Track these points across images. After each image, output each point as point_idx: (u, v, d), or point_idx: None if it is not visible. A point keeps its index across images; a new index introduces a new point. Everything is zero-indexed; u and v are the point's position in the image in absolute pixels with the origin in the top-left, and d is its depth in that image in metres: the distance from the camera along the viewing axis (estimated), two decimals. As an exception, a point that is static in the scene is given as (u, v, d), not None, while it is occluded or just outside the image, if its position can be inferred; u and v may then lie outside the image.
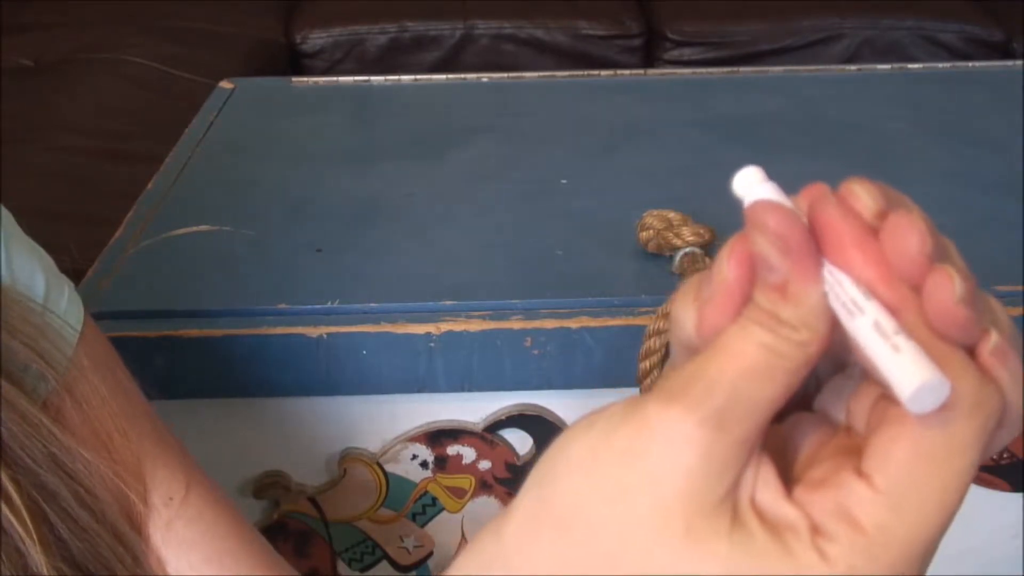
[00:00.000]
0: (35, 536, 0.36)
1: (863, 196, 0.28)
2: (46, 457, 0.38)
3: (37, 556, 0.36)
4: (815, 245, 0.27)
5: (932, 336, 0.26)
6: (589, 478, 0.28)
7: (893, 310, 0.27)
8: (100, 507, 0.40)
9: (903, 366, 0.26)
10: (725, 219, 0.70)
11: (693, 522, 0.26)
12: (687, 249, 0.67)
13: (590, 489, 0.28)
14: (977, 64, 1.07)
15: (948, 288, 0.26)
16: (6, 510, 0.36)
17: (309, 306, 0.64)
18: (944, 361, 0.26)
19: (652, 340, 0.58)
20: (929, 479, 0.26)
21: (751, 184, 0.29)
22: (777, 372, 0.27)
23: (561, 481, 0.29)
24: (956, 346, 0.27)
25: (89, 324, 0.44)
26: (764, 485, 0.27)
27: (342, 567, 0.71)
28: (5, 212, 0.42)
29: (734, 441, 0.27)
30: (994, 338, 0.27)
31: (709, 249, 0.67)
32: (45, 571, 0.36)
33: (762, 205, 0.27)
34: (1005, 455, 0.69)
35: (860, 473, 0.27)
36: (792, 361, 0.27)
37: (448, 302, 0.64)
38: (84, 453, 0.40)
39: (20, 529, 0.36)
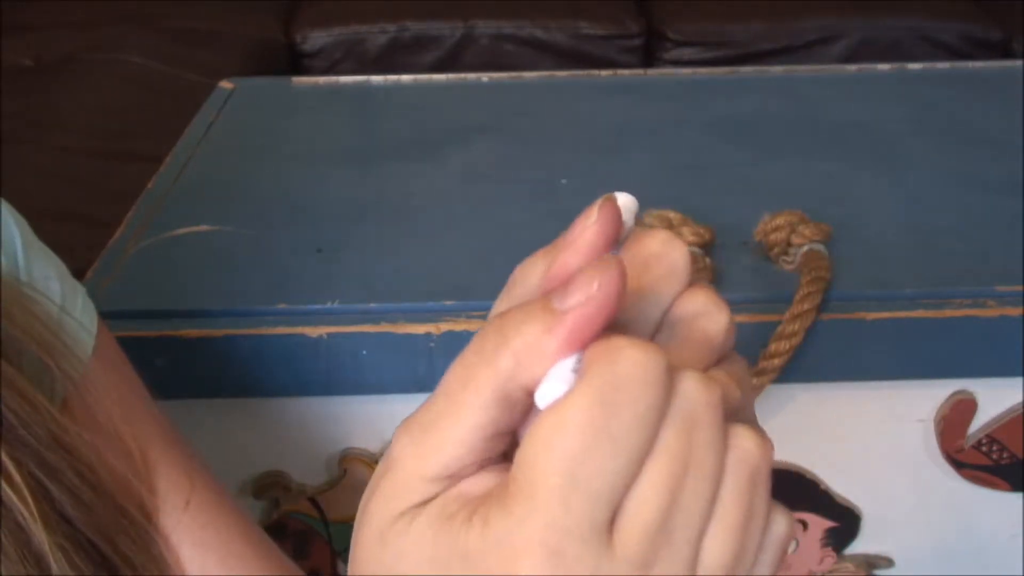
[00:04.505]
0: (36, 513, 0.37)
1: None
2: (48, 435, 0.38)
3: (39, 533, 0.37)
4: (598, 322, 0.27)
5: None
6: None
7: None
8: (102, 484, 0.40)
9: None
10: (725, 219, 0.70)
11: None
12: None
13: None
14: (977, 64, 1.07)
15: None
16: (6, 487, 0.36)
17: (309, 306, 0.64)
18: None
19: (652, 340, 0.58)
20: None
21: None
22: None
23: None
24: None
25: (102, 328, 0.45)
26: None
27: (342, 567, 0.71)
28: (19, 217, 0.43)
29: None
30: None
31: (709, 249, 0.67)
32: (47, 548, 0.37)
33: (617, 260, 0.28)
34: (1005, 455, 0.69)
35: None
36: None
37: (448, 302, 0.64)
38: (85, 435, 0.40)
39: (21, 506, 0.36)
